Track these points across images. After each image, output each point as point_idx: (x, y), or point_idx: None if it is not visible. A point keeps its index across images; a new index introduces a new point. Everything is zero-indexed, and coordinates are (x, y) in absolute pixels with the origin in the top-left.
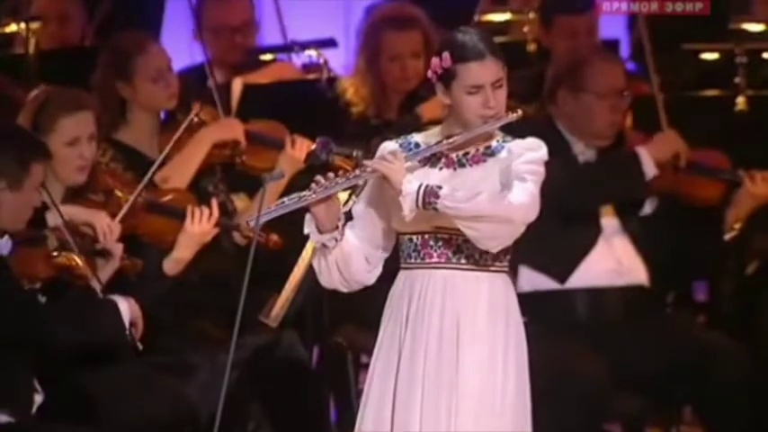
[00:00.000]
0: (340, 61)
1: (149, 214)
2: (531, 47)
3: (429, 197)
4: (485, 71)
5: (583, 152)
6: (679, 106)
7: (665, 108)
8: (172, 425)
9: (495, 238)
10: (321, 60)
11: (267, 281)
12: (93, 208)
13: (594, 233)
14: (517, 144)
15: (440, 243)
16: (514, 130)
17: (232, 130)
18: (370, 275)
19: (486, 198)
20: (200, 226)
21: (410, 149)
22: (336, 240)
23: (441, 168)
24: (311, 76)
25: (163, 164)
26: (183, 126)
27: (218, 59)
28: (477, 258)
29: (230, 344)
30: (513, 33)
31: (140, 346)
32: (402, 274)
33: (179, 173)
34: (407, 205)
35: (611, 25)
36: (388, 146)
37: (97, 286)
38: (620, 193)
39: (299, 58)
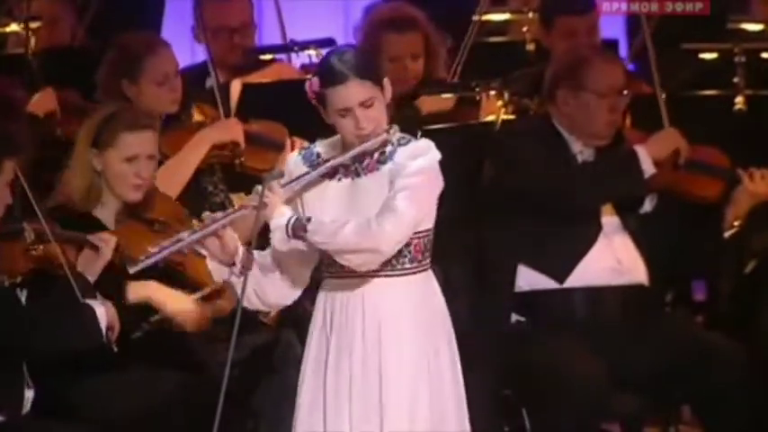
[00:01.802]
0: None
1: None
2: (530, 47)
3: (297, 231)
4: (349, 94)
5: (581, 151)
6: (678, 106)
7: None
8: (170, 424)
9: (363, 264)
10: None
11: None
12: (140, 233)
13: (594, 232)
14: (404, 152)
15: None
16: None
17: (231, 130)
18: (288, 298)
19: (352, 230)
20: None
21: (311, 159)
22: (237, 274)
23: (340, 179)
24: (310, 76)
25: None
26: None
27: (217, 60)
28: (394, 263)
29: (229, 343)
30: (512, 33)
31: (115, 349)
32: (324, 284)
33: (175, 174)
34: (276, 238)
35: (611, 26)
36: (292, 157)
37: (79, 281)
38: (618, 193)
39: (299, 59)
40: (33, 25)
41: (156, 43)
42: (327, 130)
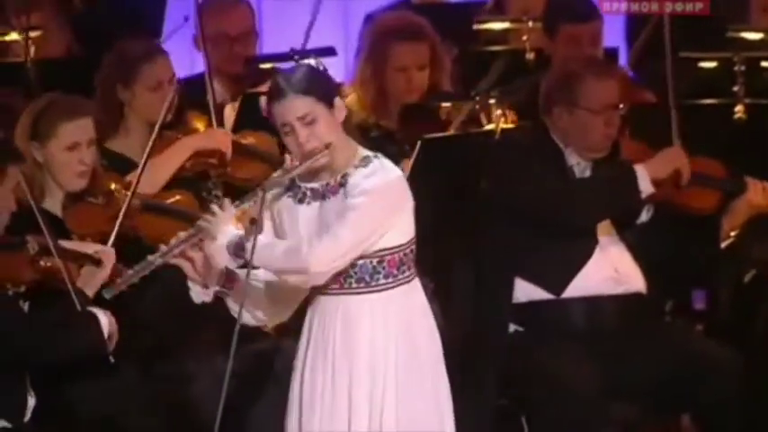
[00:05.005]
0: (339, 69)
1: (149, 215)
2: (530, 55)
3: (237, 250)
4: (286, 110)
5: (578, 163)
6: (677, 115)
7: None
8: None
9: (300, 283)
10: (321, 68)
11: None
12: (92, 211)
13: (591, 245)
14: (357, 174)
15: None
16: (513, 140)
17: (217, 139)
18: (280, 315)
19: (282, 251)
20: None
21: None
22: (209, 296)
23: (309, 203)
24: None
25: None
26: (158, 126)
27: (218, 69)
28: (369, 280)
29: (230, 352)
30: (512, 42)
31: (113, 360)
32: (310, 297)
33: (154, 175)
34: (218, 258)
35: (611, 33)
36: (272, 177)
37: (80, 296)
38: (614, 211)
39: None
40: (33, 34)
41: (153, 50)
42: None
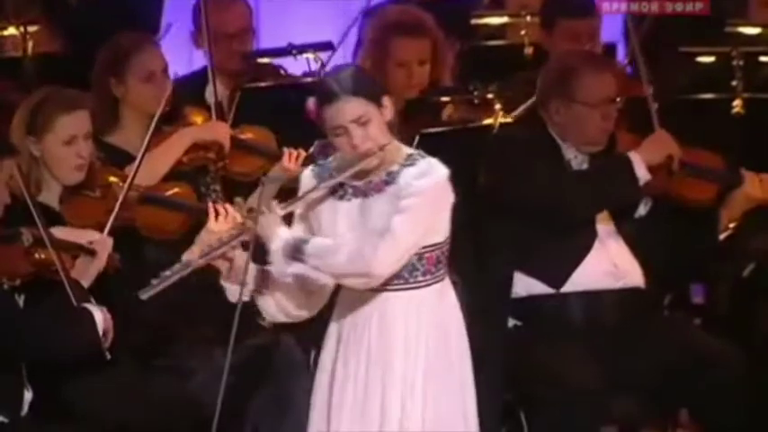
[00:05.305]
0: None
1: (146, 206)
2: (529, 50)
3: (295, 253)
4: (340, 112)
5: (575, 157)
6: (676, 109)
7: (661, 111)
8: (168, 427)
9: (358, 286)
10: (318, 63)
11: None
12: (89, 204)
13: (589, 238)
14: (409, 173)
15: None
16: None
17: (215, 132)
18: (311, 310)
19: (345, 255)
20: (225, 224)
21: (323, 176)
22: (248, 294)
23: (349, 199)
24: (308, 80)
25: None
26: (155, 119)
27: (216, 67)
28: (407, 277)
29: (228, 346)
30: (510, 37)
31: (109, 356)
32: (340, 293)
33: (153, 166)
34: (275, 263)
35: (609, 29)
36: (305, 172)
37: (75, 288)
38: (614, 201)
39: (297, 62)
40: (31, 29)
41: (142, 41)
42: (324, 134)
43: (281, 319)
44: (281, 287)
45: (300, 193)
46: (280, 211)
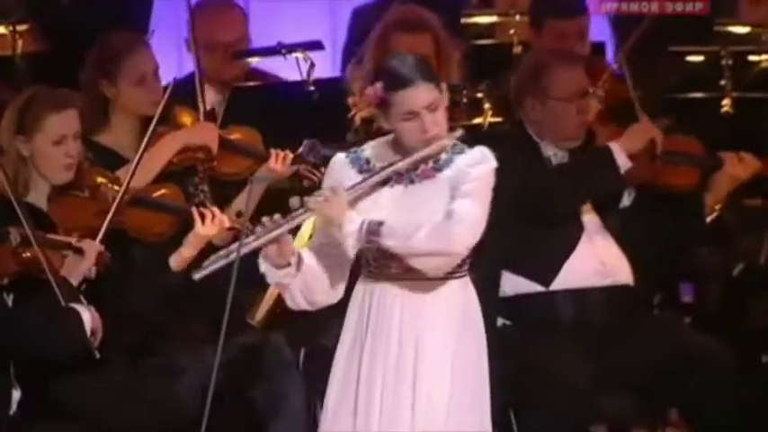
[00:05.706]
0: (326, 64)
1: (134, 209)
2: (518, 49)
3: (370, 236)
4: (416, 97)
5: (555, 154)
6: (665, 108)
7: (650, 109)
8: (158, 426)
9: (436, 268)
10: (308, 63)
11: (254, 281)
12: (77, 204)
13: (576, 233)
14: (463, 160)
15: (397, 255)
16: (487, 135)
17: (205, 134)
18: (334, 296)
19: (425, 235)
20: (212, 227)
21: (359, 164)
22: (292, 276)
23: (392, 186)
24: (297, 79)
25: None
26: (152, 126)
27: (212, 76)
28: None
29: (217, 345)
30: (499, 36)
31: (98, 355)
32: (361, 285)
33: (142, 169)
34: (350, 244)
35: (597, 28)
36: (338, 158)
37: (63, 287)
38: (596, 192)
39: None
40: (20, 28)
41: (134, 42)
42: (318, 134)
43: (303, 306)
44: (310, 271)
45: (352, 180)
46: (345, 194)
